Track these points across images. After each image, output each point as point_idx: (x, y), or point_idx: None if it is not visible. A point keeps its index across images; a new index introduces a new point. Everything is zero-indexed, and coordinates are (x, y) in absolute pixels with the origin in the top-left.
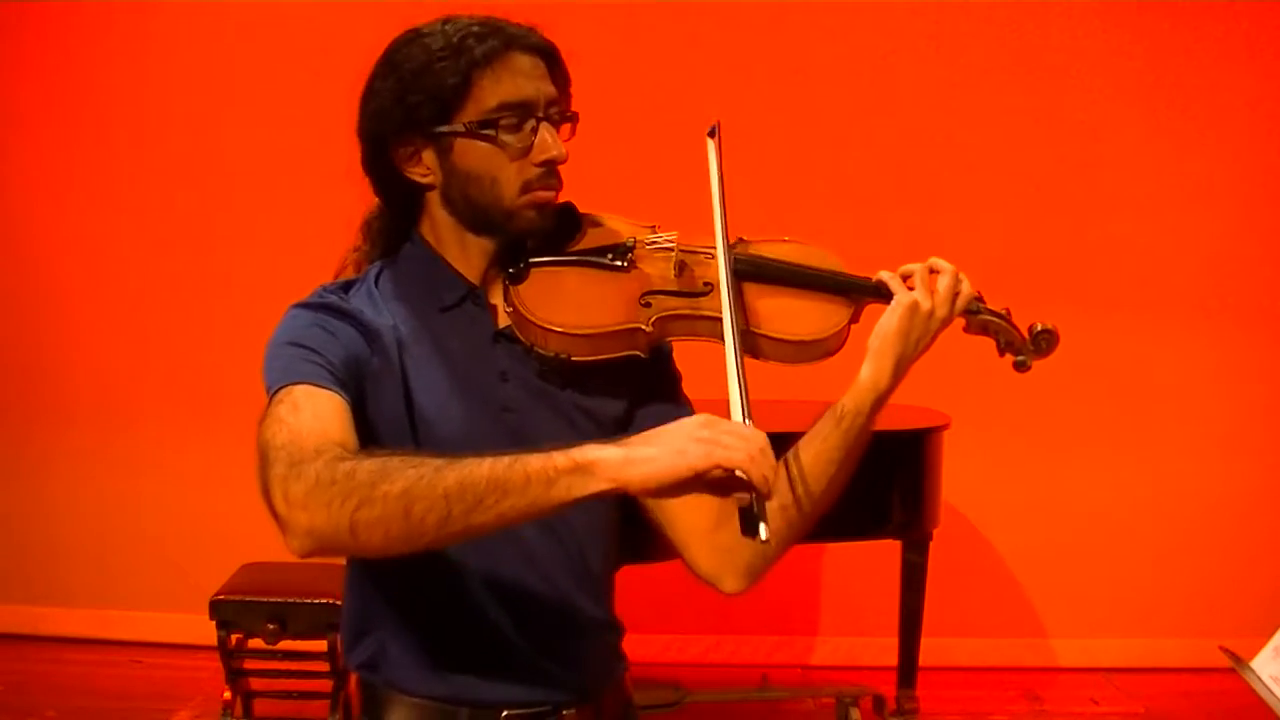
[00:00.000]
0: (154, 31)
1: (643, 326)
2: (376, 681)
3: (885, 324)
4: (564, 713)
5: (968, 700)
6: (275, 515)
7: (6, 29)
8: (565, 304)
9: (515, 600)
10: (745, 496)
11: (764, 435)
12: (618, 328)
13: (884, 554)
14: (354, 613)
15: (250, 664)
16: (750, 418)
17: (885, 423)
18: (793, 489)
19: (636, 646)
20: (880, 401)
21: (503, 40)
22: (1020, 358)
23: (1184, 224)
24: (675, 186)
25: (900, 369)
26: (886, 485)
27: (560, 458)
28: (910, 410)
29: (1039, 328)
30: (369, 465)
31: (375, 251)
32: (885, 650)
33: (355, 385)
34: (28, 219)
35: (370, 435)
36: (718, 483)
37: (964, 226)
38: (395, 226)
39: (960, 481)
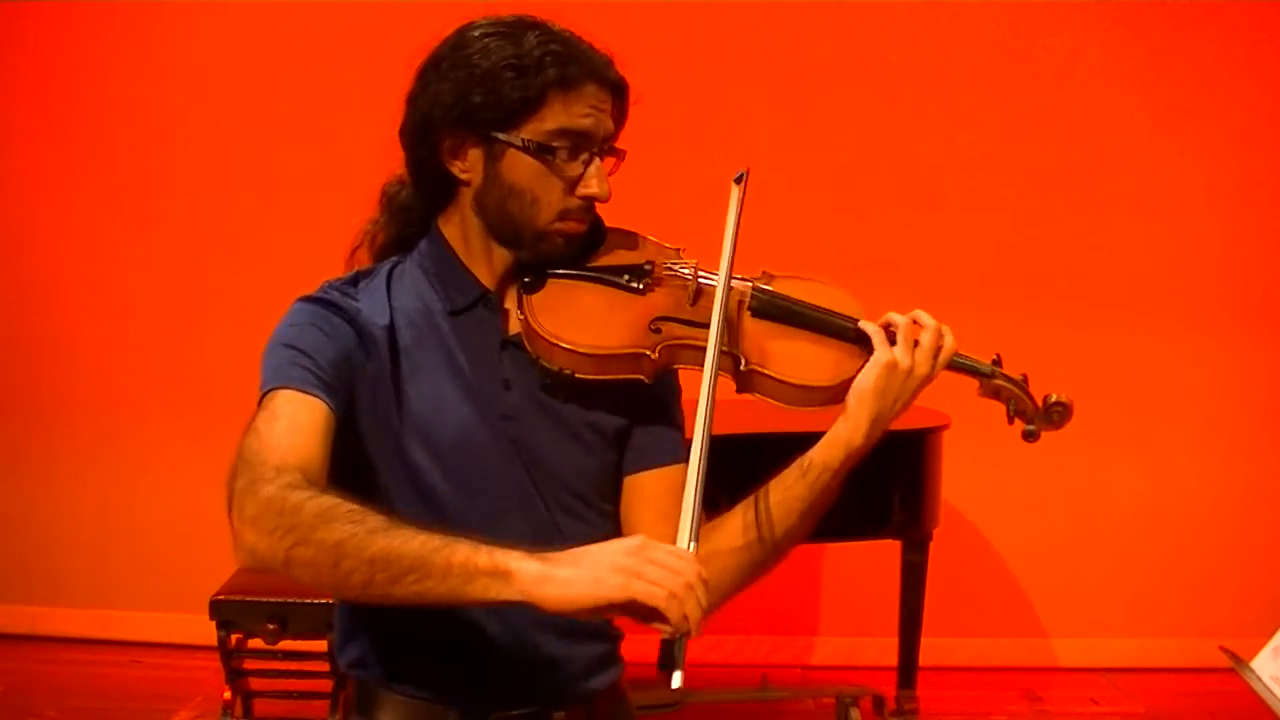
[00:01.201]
0: (155, 32)
1: (648, 353)
2: (367, 680)
3: (862, 380)
4: (554, 715)
5: (968, 700)
6: (231, 526)
7: (6, 28)
8: (575, 321)
9: (505, 609)
10: (667, 628)
11: (696, 568)
12: (624, 351)
13: (884, 554)
14: (346, 611)
15: (250, 664)
16: (696, 540)
17: None
18: (758, 529)
19: (637, 646)
20: (852, 458)
21: (582, 69)
22: (1030, 427)
23: (1184, 224)
24: (694, 199)
25: (876, 427)
26: (886, 485)
27: (484, 557)
28: (910, 410)
29: (1053, 399)
30: (315, 506)
31: (392, 228)
32: (885, 650)
33: (346, 388)
34: (28, 220)
35: (359, 439)
36: (635, 612)
37: (965, 227)
38: (416, 205)
39: (960, 481)
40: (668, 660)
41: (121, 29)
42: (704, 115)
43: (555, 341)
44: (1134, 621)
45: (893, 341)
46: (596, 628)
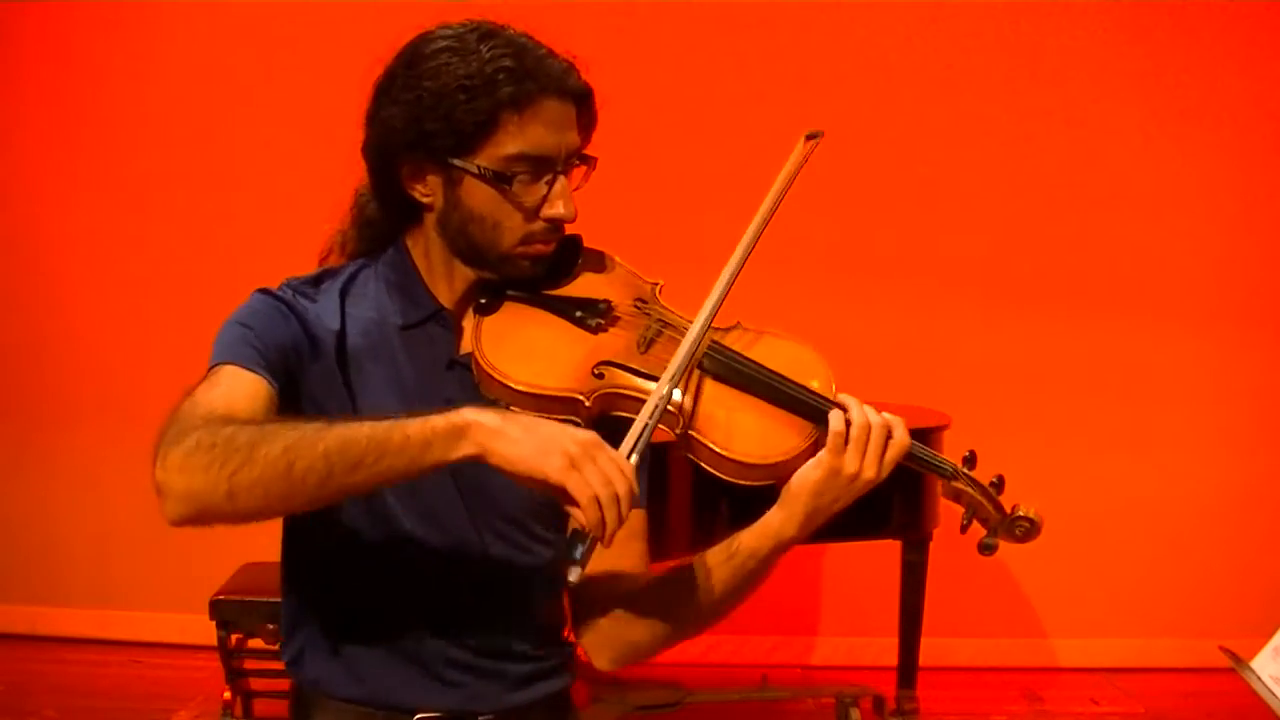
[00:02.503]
0: (157, 30)
1: (583, 399)
2: (302, 680)
3: (803, 475)
4: (480, 717)
5: (968, 700)
6: (155, 482)
7: (8, 28)
8: (518, 354)
9: (437, 618)
10: (581, 525)
11: (630, 483)
12: (559, 394)
13: (884, 554)
14: (287, 610)
15: (250, 664)
16: (639, 454)
17: None
18: (677, 604)
19: None
20: (780, 549)
21: (537, 85)
22: (989, 540)
23: (1183, 224)
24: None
25: (810, 522)
26: (886, 486)
27: (439, 420)
28: (910, 410)
29: (1021, 512)
30: (247, 431)
31: (360, 243)
32: (885, 650)
33: (289, 376)
34: (31, 219)
35: None
36: (560, 496)
37: (964, 227)
38: (384, 218)
39: None
40: (570, 554)
41: (125, 28)
42: (701, 117)
43: (492, 374)
44: (1134, 621)
45: (846, 439)
46: (531, 650)
